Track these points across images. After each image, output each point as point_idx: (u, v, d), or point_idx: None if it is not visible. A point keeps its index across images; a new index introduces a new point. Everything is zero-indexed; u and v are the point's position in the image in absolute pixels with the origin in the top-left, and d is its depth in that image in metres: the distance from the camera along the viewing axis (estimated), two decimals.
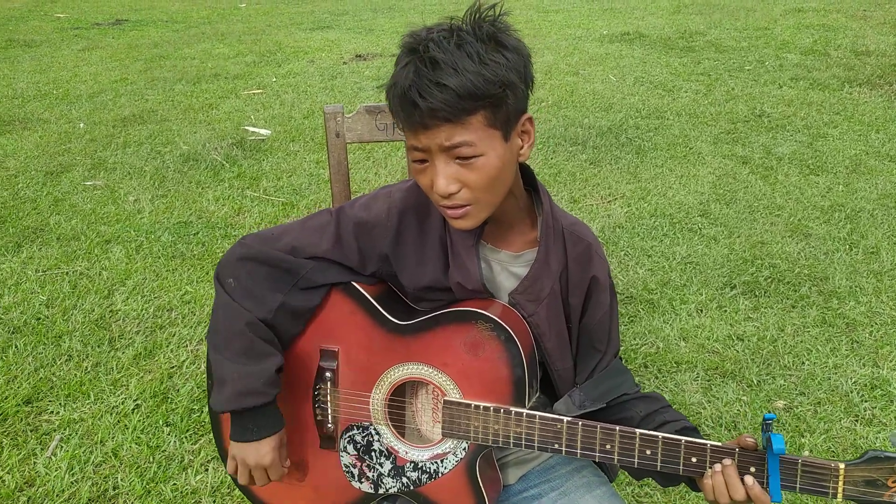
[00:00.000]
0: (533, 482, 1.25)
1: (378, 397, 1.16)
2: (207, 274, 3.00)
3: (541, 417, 1.08)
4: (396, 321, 1.13)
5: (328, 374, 1.17)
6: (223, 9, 10.25)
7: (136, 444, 2.10)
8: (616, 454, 1.06)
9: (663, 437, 1.04)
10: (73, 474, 1.99)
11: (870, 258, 3.08)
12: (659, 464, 1.05)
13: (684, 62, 6.30)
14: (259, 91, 5.81)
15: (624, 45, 7.03)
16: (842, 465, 0.97)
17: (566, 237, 1.14)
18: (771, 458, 0.99)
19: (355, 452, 1.19)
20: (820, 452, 2.06)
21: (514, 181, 1.09)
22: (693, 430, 1.13)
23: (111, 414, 2.22)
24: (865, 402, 2.26)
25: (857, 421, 2.19)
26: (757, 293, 2.84)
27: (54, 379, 2.39)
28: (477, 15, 1.00)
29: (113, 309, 2.78)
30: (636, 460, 1.05)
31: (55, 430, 2.16)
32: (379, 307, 1.14)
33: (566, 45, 7.04)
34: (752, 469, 1.01)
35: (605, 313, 1.17)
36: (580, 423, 1.07)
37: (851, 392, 2.30)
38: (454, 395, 1.11)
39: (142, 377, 2.39)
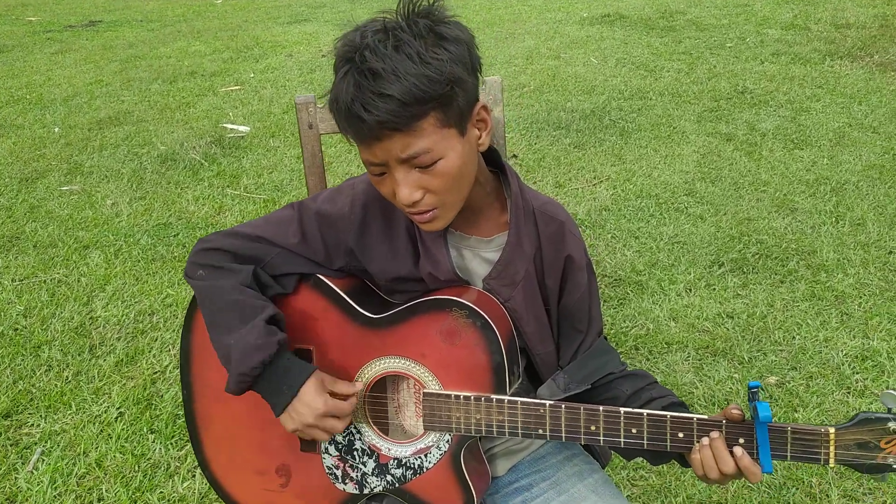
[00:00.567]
0: (523, 473, 1.22)
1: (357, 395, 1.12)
2: None
3: (522, 403, 1.05)
4: (369, 315, 1.10)
5: None
6: (199, 6, 10.10)
7: (121, 453, 2.06)
8: (601, 435, 1.03)
9: (648, 414, 1.01)
10: (55, 488, 1.95)
11: (856, 230, 3.06)
12: (645, 441, 1.02)
13: (665, 42, 6.26)
14: (237, 87, 5.72)
15: (604, 26, 6.98)
16: (832, 430, 0.94)
17: (537, 217, 1.11)
18: (759, 428, 0.95)
19: (337, 453, 1.16)
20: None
21: (477, 170, 1.06)
22: (681, 406, 1.10)
23: (94, 423, 2.17)
24: (857, 373, 2.25)
25: (849, 393, 2.17)
26: (745, 270, 2.82)
27: (34, 390, 2.33)
28: (410, 8, 0.94)
29: (93, 316, 2.73)
30: (622, 440, 1.03)
31: (36, 444, 2.11)
32: (351, 301, 1.11)
33: (546, 29, 6.98)
34: (741, 440, 0.98)
35: (584, 292, 1.14)
36: (563, 405, 1.04)
37: (843, 364, 2.28)
38: (433, 387, 1.08)
39: (124, 384, 2.34)
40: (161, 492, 1.92)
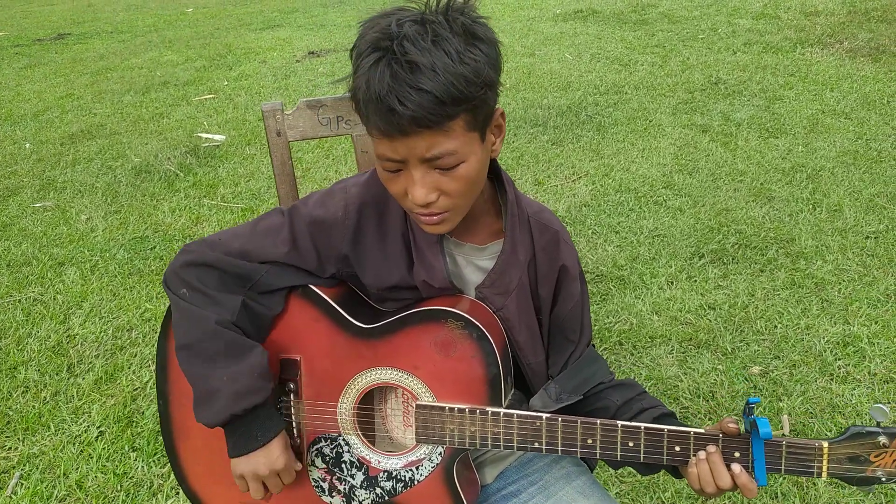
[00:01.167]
0: (511, 479, 1.21)
1: (346, 406, 1.10)
2: None
3: (519, 416, 1.03)
4: (361, 325, 1.07)
5: (290, 386, 1.12)
6: (169, 15, 9.99)
7: (102, 472, 2.02)
8: (598, 448, 1.02)
9: (645, 428, 1.00)
10: None
11: (833, 216, 3.09)
12: (642, 455, 1.01)
13: (638, 35, 6.30)
14: (211, 96, 5.66)
15: (578, 22, 7.00)
16: (825, 444, 0.95)
17: (532, 226, 1.10)
18: (756, 443, 0.96)
19: (324, 465, 1.13)
20: (798, 415, 2.06)
21: None
22: (671, 416, 1.10)
23: (73, 444, 2.13)
24: (839, 360, 2.26)
25: (832, 380, 2.19)
26: (725, 260, 2.84)
27: (11, 413, 2.28)
28: (448, 9, 0.91)
29: (70, 334, 2.67)
30: (619, 453, 1.02)
31: (14, 467, 2.06)
32: (341, 311, 1.08)
33: (520, 27, 6.99)
34: (737, 454, 0.98)
35: (577, 303, 1.13)
36: (560, 418, 1.02)
37: (825, 351, 2.30)
38: (427, 399, 1.06)
39: (104, 402, 2.30)
40: None
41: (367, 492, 1.12)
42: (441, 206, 0.97)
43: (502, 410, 1.03)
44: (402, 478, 1.10)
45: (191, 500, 1.21)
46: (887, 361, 2.24)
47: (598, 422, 1.01)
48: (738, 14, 6.66)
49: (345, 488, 1.13)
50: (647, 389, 2.13)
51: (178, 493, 1.93)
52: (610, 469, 1.92)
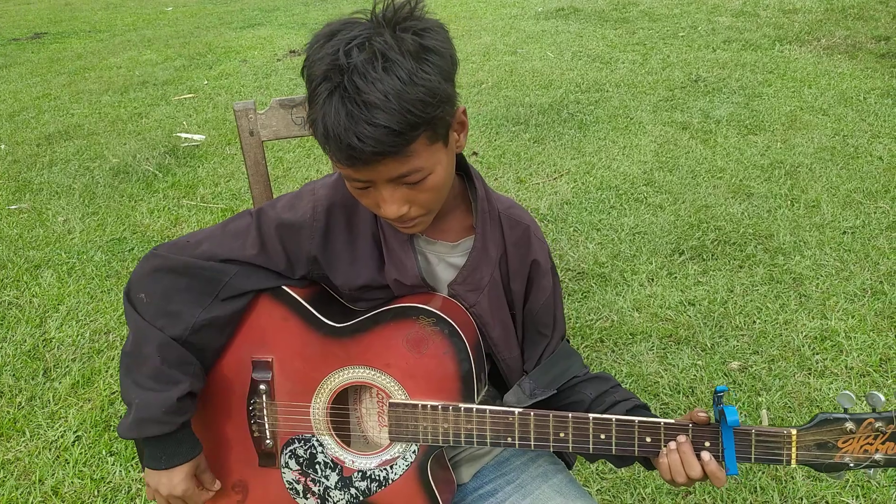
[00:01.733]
0: (488, 478, 1.21)
1: (319, 406, 1.09)
2: None
3: (491, 412, 1.03)
4: (333, 324, 1.07)
5: (262, 387, 1.10)
6: (148, 14, 9.89)
7: (79, 478, 1.99)
8: (570, 442, 1.02)
9: (616, 420, 1.01)
10: None
11: (811, 212, 3.12)
12: (614, 447, 1.02)
13: (619, 33, 6.32)
14: (190, 95, 5.61)
15: (559, 20, 7.01)
16: (794, 431, 0.96)
17: (503, 221, 1.09)
18: (725, 431, 0.97)
19: (298, 467, 1.12)
20: (777, 409, 2.07)
21: None
22: (644, 408, 1.11)
23: (49, 449, 2.10)
24: (817, 354, 2.29)
25: (810, 374, 2.21)
26: (705, 257, 2.85)
27: None
28: (393, 15, 0.89)
29: (46, 337, 2.63)
30: (591, 446, 1.02)
31: None
32: (313, 310, 1.07)
33: (502, 25, 6.99)
34: (707, 444, 0.99)
35: (549, 297, 1.13)
36: (532, 413, 1.03)
37: (803, 346, 2.32)
38: (399, 397, 1.05)
39: (81, 407, 2.27)
40: None
41: (342, 492, 1.11)
42: (413, 214, 0.98)
43: (475, 406, 1.03)
44: (377, 477, 1.09)
45: None
46: (864, 355, 2.26)
47: (570, 415, 1.02)
48: (717, 12, 6.71)
49: (319, 490, 1.12)
50: (627, 386, 2.15)
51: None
52: (591, 466, 1.92)
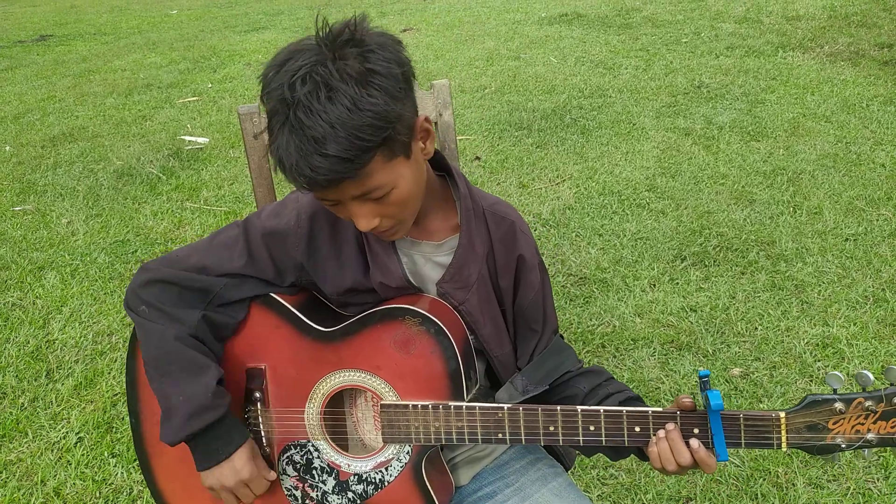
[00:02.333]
0: (486, 480, 1.21)
1: (312, 411, 1.10)
2: None
3: (481, 408, 1.04)
4: (322, 328, 1.08)
5: (257, 395, 1.12)
6: (153, 17, 9.93)
7: (81, 479, 1.99)
8: (560, 435, 1.03)
9: (605, 411, 1.01)
10: None
11: (813, 219, 3.12)
12: (604, 438, 1.02)
13: (623, 39, 6.33)
14: (195, 98, 5.63)
15: (563, 26, 7.03)
16: (782, 414, 0.95)
17: (488, 218, 1.10)
18: (712, 417, 0.96)
19: (296, 473, 1.13)
20: None
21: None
22: (637, 400, 1.11)
23: (52, 450, 2.11)
24: (818, 361, 2.28)
25: (811, 381, 2.21)
26: (707, 263, 2.86)
27: None
28: (333, 38, 0.89)
29: (49, 339, 2.64)
30: (581, 438, 1.03)
31: None
32: (302, 317, 1.09)
33: (506, 30, 7.01)
34: (696, 430, 0.98)
35: (538, 292, 1.13)
36: (521, 408, 1.03)
37: (804, 353, 2.32)
38: (391, 398, 1.06)
39: (83, 408, 2.28)
40: None
41: (340, 497, 1.12)
42: (386, 225, 0.99)
43: (464, 404, 1.04)
44: (373, 480, 1.10)
45: None
46: (866, 363, 2.26)
47: (559, 408, 1.02)
48: (720, 18, 6.72)
49: (317, 495, 1.13)
50: None
51: None
52: (591, 472, 1.92)
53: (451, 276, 1.08)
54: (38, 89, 6.24)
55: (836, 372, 0.94)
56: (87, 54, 7.62)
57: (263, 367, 1.11)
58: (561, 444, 1.04)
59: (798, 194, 3.34)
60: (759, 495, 1.83)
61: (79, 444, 2.13)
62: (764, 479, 1.87)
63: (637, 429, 1.00)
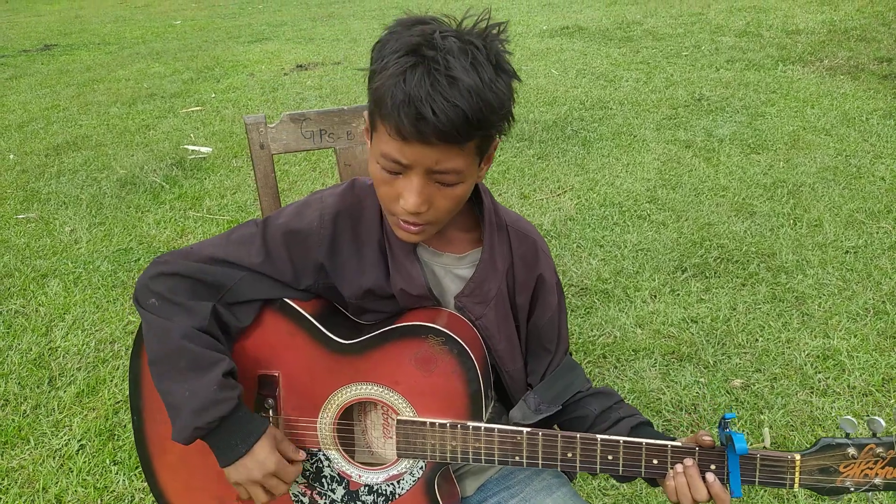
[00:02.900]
0: (491, 491, 1.21)
1: (325, 422, 1.10)
2: None
3: (500, 430, 1.04)
4: (341, 340, 1.07)
5: (269, 402, 1.11)
6: (157, 27, 10.00)
7: (83, 487, 1.99)
8: (578, 462, 1.03)
9: (624, 442, 1.02)
10: None
11: (814, 231, 3.14)
12: (621, 468, 1.03)
13: (623, 52, 6.38)
14: (198, 108, 5.66)
15: (564, 38, 7.08)
16: (797, 456, 0.98)
17: (511, 235, 1.11)
18: (731, 457, 0.98)
19: (304, 480, 1.13)
20: (779, 428, 2.08)
21: None
22: (648, 425, 1.11)
23: (53, 458, 2.11)
24: (819, 373, 2.29)
25: (812, 393, 2.21)
26: (707, 274, 2.87)
27: None
28: (486, 30, 0.92)
29: (52, 346, 2.65)
30: (598, 466, 1.03)
31: None
32: (320, 326, 1.08)
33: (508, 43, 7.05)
34: (713, 467, 1.00)
35: (554, 313, 1.14)
36: (540, 433, 1.03)
37: (805, 365, 2.33)
38: (407, 414, 1.06)
39: (85, 415, 2.28)
40: None
41: None
42: (427, 218, 0.98)
43: (483, 425, 1.04)
44: (384, 492, 1.10)
45: None
46: (866, 375, 2.27)
47: (578, 436, 1.02)
48: (720, 32, 6.77)
49: (325, 502, 1.13)
50: (629, 402, 2.14)
51: None
52: (593, 482, 1.93)
53: (471, 291, 1.08)
54: (42, 98, 6.28)
55: (849, 417, 0.97)
56: (90, 64, 7.67)
57: (277, 375, 1.10)
58: (578, 470, 1.04)
59: (798, 207, 3.35)
60: None
61: (80, 451, 2.13)
62: (765, 490, 1.87)
63: (655, 461, 1.02)
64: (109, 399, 2.34)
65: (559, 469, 1.06)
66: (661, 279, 2.85)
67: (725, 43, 6.35)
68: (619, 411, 1.13)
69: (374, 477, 1.10)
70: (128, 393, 2.35)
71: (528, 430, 1.04)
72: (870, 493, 0.99)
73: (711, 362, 2.37)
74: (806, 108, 4.63)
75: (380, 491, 1.10)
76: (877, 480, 0.97)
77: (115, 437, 2.18)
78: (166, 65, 7.29)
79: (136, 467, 2.05)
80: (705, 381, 2.28)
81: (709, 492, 0.99)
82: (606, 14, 8.07)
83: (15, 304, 2.95)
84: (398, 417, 1.06)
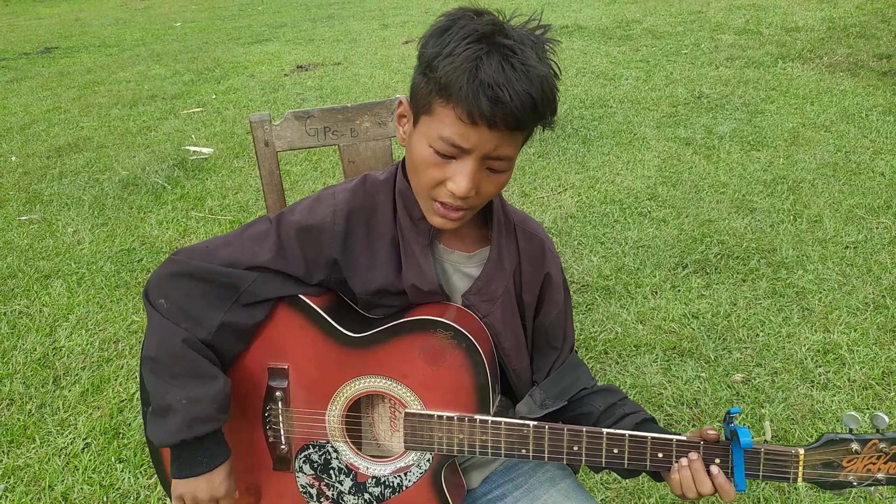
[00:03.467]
0: (496, 483, 1.23)
1: (334, 414, 1.11)
2: None
3: (506, 424, 1.05)
4: (350, 334, 1.08)
5: (278, 394, 1.12)
6: (158, 29, 10.02)
7: (88, 484, 2.01)
8: (584, 455, 1.04)
9: (630, 435, 1.03)
10: None
11: (814, 227, 3.15)
12: (626, 461, 1.04)
13: (623, 50, 6.39)
14: (199, 109, 5.68)
15: (564, 37, 7.09)
16: (801, 451, 0.99)
17: (518, 234, 1.12)
18: (736, 451, 0.99)
19: (312, 472, 1.14)
20: (780, 422, 2.09)
21: None
22: (652, 421, 1.13)
23: (59, 456, 2.12)
24: (819, 367, 2.30)
25: (812, 387, 2.22)
26: (708, 270, 2.88)
27: None
28: (539, 29, 0.97)
29: (56, 346, 2.67)
30: (604, 459, 1.04)
31: None
32: (330, 320, 1.08)
33: None
34: (717, 460, 1.01)
35: (560, 311, 1.15)
36: (546, 426, 1.04)
37: (805, 359, 2.34)
38: (415, 407, 1.07)
39: (90, 414, 2.29)
40: None
41: (356, 497, 1.13)
42: (471, 203, 0.99)
43: (490, 418, 1.05)
44: (391, 484, 1.11)
45: None
46: (866, 368, 2.28)
47: (584, 429, 1.03)
48: (720, 30, 6.78)
49: (333, 494, 1.14)
50: (632, 397, 2.16)
51: (164, 503, 1.93)
52: (595, 476, 1.94)
53: (479, 289, 1.09)
54: (43, 100, 6.30)
55: (853, 412, 0.98)
56: (91, 66, 7.69)
57: (286, 367, 1.11)
58: (583, 463, 1.06)
59: (798, 203, 3.36)
60: (762, 499, 1.84)
61: (86, 449, 2.14)
62: (766, 484, 1.88)
63: (660, 455, 1.03)
64: (114, 398, 2.36)
65: (564, 462, 1.07)
66: (661, 275, 2.86)
67: (725, 41, 6.36)
68: (623, 408, 1.14)
69: (382, 469, 1.12)
70: (133, 392, 2.37)
71: (535, 423, 1.05)
72: (871, 488, 1.00)
73: (712, 357, 2.38)
74: (805, 104, 4.64)
75: (387, 483, 1.11)
76: (879, 475, 0.98)
77: (120, 435, 2.19)
78: (167, 66, 7.31)
79: (142, 465, 2.07)
80: (706, 376, 2.29)
81: (713, 485, 1.00)
82: (606, 13, 8.08)
83: (19, 304, 2.96)
84: (406, 410, 1.07)
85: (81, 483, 2.01)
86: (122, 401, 2.34)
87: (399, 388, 1.07)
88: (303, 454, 1.14)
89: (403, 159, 1.09)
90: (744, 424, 1.93)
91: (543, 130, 1.01)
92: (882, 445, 0.96)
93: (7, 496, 2.00)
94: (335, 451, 1.13)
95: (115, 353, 2.61)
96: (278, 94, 5.94)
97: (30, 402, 2.37)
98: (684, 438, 1.02)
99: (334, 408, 1.11)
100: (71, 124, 5.49)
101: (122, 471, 2.05)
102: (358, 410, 1.15)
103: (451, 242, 1.12)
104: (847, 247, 2.97)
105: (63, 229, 3.65)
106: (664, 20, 7.38)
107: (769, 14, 7.16)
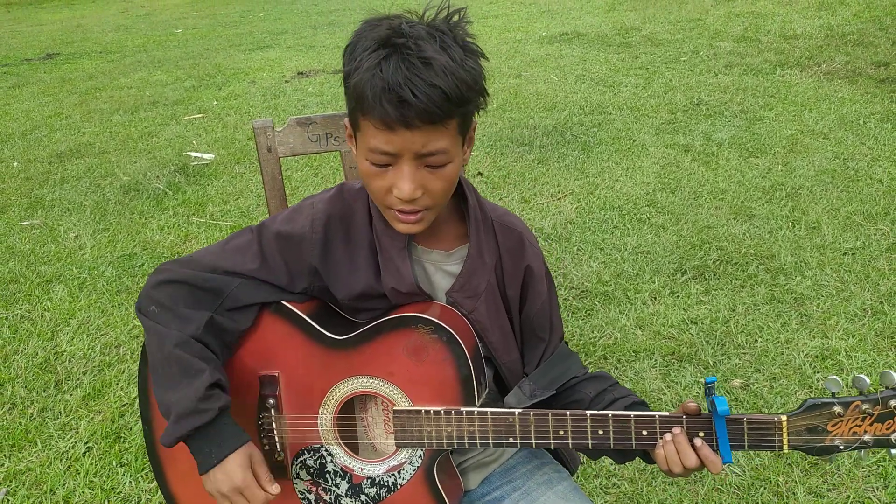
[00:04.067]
0: (494, 484, 1.24)
1: (326, 417, 1.13)
2: None
3: (492, 413, 1.06)
4: (335, 336, 1.10)
5: (271, 402, 1.13)
6: (159, 35, 10.06)
7: (90, 488, 2.02)
8: (570, 439, 1.06)
9: (613, 415, 1.04)
10: None
11: (812, 233, 3.16)
12: (612, 441, 1.05)
13: (622, 57, 6.42)
14: (200, 115, 5.70)
15: (563, 44, 7.12)
16: (784, 417, 0.99)
17: (497, 229, 1.14)
18: (717, 421, 1.00)
19: (309, 477, 1.16)
20: None
21: None
22: (642, 404, 1.14)
23: (61, 460, 2.13)
24: (818, 372, 2.31)
25: (811, 392, 2.23)
26: (707, 276, 2.89)
27: None
28: (448, 17, 0.98)
29: (58, 350, 2.68)
30: (590, 441, 1.05)
31: (0, 484, 2.06)
32: (315, 325, 1.11)
33: (507, 49, 7.10)
34: (701, 434, 1.02)
35: (545, 301, 1.17)
36: (531, 413, 1.06)
37: (804, 365, 2.35)
38: (403, 404, 1.09)
39: (92, 418, 2.30)
40: None
41: (353, 499, 1.14)
42: (422, 203, 1.01)
43: (476, 409, 1.07)
44: (386, 483, 1.13)
45: None
46: (864, 374, 2.28)
47: (568, 413, 1.05)
48: (719, 37, 6.82)
49: (330, 498, 1.15)
50: None
51: None
52: (595, 481, 1.95)
53: (461, 286, 1.11)
54: (45, 106, 6.32)
55: (834, 376, 0.98)
56: (93, 72, 7.72)
57: (277, 375, 1.13)
58: (570, 447, 1.07)
59: (797, 209, 3.38)
60: (760, 503, 1.85)
61: (87, 453, 2.15)
62: (765, 488, 1.89)
63: (644, 432, 1.04)
64: (115, 402, 2.37)
65: (552, 447, 1.08)
66: (660, 281, 2.87)
67: (724, 48, 6.39)
68: (613, 393, 1.15)
69: (376, 469, 1.13)
70: (134, 398, 2.38)
71: (520, 411, 1.06)
72: (861, 452, 0.99)
73: (711, 363, 2.39)
74: (804, 112, 4.66)
75: (382, 482, 1.13)
76: (866, 437, 0.97)
77: (122, 439, 2.20)
78: (168, 73, 7.34)
79: (143, 469, 2.08)
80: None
81: (699, 457, 1.01)
82: (605, 20, 8.12)
83: (21, 309, 2.97)
84: (394, 408, 1.09)
85: (83, 487, 2.02)
86: (124, 405, 2.35)
87: (386, 386, 1.09)
88: (298, 460, 1.15)
89: None
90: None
91: (478, 112, 1.02)
92: (865, 406, 0.96)
93: (9, 500, 2.00)
94: (329, 454, 1.14)
95: (116, 357, 2.62)
96: (279, 100, 5.97)
97: (31, 406, 2.38)
98: (667, 414, 1.03)
99: (325, 411, 1.12)
100: (72, 130, 5.51)
101: (124, 475, 2.05)
102: (351, 412, 1.16)
103: (428, 242, 1.13)
104: (845, 253, 2.99)
105: (65, 234, 3.66)
106: (663, 28, 7.42)
107: (767, 22, 7.19)
